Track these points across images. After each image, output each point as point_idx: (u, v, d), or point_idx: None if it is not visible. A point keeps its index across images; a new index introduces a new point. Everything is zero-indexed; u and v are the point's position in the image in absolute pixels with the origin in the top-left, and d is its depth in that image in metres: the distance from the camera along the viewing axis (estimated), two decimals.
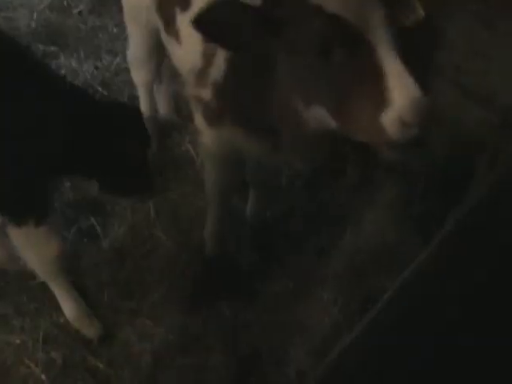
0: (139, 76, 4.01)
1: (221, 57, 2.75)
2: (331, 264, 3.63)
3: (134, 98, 4.29)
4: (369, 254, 3.64)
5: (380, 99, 2.05)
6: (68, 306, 3.35)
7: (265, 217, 3.88)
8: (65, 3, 5.18)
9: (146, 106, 4.15)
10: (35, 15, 4.97)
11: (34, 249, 3.06)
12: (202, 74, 2.89)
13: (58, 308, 3.38)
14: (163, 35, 3.31)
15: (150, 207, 3.86)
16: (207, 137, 3.11)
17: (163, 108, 4.37)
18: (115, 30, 4.95)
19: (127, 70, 4.17)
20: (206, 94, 2.90)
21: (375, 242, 3.73)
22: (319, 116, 2.31)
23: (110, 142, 3.05)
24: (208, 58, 2.83)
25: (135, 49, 3.86)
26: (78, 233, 3.75)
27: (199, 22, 2.20)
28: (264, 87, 2.54)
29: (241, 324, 3.42)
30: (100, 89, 4.53)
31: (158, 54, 3.76)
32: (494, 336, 1.48)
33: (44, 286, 3.35)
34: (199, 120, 3.07)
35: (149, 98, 4.14)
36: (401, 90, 2.03)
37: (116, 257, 3.66)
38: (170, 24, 3.13)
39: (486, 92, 4.08)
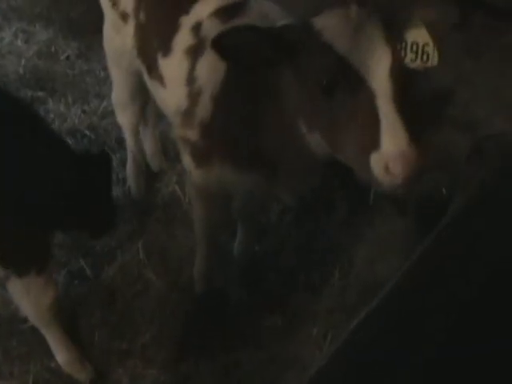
0: (124, 118, 4.04)
1: (206, 96, 2.81)
2: (321, 299, 3.65)
3: (122, 140, 4.33)
4: (359, 289, 3.66)
5: (371, 143, 2.16)
6: (60, 351, 3.33)
7: (253, 252, 3.90)
8: (52, 49, 5.23)
9: (132, 147, 4.20)
10: (23, 62, 5.02)
11: (31, 297, 3.01)
12: (188, 114, 2.94)
13: (48, 352, 3.35)
14: (146, 79, 3.35)
15: (139, 248, 3.87)
16: (196, 176, 3.13)
17: (150, 149, 4.39)
18: (102, 74, 5.00)
19: (114, 113, 4.22)
20: (194, 134, 2.94)
21: (366, 277, 3.75)
22: (318, 142, 2.41)
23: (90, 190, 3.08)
24: (193, 99, 2.88)
25: (119, 92, 3.91)
26: (69, 275, 3.75)
27: (217, 43, 2.29)
28: (259, 117, 2.62)
29: (232, 361, 3.41)
30: (88, 132, 4.56)
31: (142, 96, 3.80)
32: (477, 346, 1.51)
33: (34, 330, 3.32)
34: (187, 160, 3.10)
35: (135, 139, 4.18)
36: (391, 140, 2.13)
37: (106, 298, 3.66)
38: (152, 68, 3.18)
39: (470, 120, 4.15)
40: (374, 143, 2.15)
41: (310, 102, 2.36)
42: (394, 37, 2.29)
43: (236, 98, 2.71)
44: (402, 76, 2.25)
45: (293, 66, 2.38)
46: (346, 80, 2.20)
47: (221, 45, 2.30)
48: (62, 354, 3.33)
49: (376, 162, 2.16)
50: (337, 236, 4.00)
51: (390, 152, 2.12)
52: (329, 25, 2.25)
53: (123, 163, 4.33)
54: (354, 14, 2.23)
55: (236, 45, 2.30)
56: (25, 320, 3.37)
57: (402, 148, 2.12)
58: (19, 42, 5.34)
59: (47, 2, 5.84)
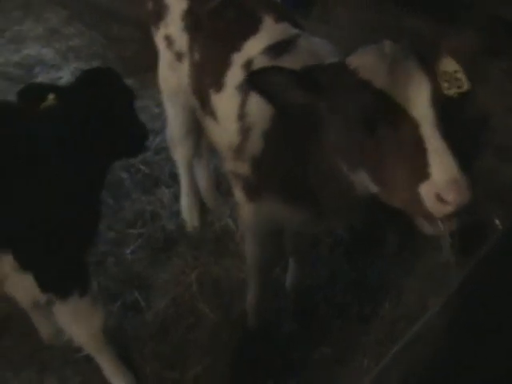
0: (179, 153, 4.15)
1: (258, 132, 2.86)
2: (371, 331, 3.65)
3: (175, 175, 4.43)
4: (409, 321, 3.64)
5: (420, 173, 2.13)
6: (116, 378, 3.37)
7: (305, 285, 3.92)
8: None
9: (186, 182, 4.29)
10: None
11: (79, 321, 3.07)
12: (239, 149, 3.00)
13: (103, 381, 3.40)
14: (200, 114, 3.45)
15: (192, 280, 3.93)
16: (248, 210, 3.17)
17: (203, 184, 4.48)
18: (156, 110, 5.14)
19: (168, 149, 4.31)
20: (245, 169, 3.00)
21: (416, 309, 3.74)
22: (363, 180, 2.38)
23: None
24: (244, 134, 2.95)
25: (174, 128, 4.00)
26: (123, 306, 3.82)
27: (251, 80, 2.36)
28: (307, 154, 2.64)
29: None
30: (142, 167, 4.69)
31: (196, 131, 3.89)
32: None
33: (89, 359, 3.39)
34: (239, 194, 3.16)
35: (189, 174, 4.27)
36: (441, 168, 2.11)
37: (159, 330, 3.71)
38: (206, 104, 3.27)
39: None
40: (423, 173, 2.12)
41: (351, 141, 2.34)
42: (430, 67, 2.29)
43: (285, 133, 2.75)
44: (442, 104, 2.25)
45: (329, 106, 2.39)
46: (387, 114, 2.20)
47: (254, 81, 2.36)
48: (118, 381, 3.37)
49: (427, 192, 2.12)
50: (387, 268, 4.01)
51: (442, 180, 2.09)
52: (364, 62, 2.29)
53: (177, 197, 4.43)
54: (388, 49, 2.28)
55: (268, 82, 2.35)
56: (79, 349, 3.43)
57: (454, 175, 2.09)
58: None
59: (103, 42, 6.10)
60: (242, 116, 2.96)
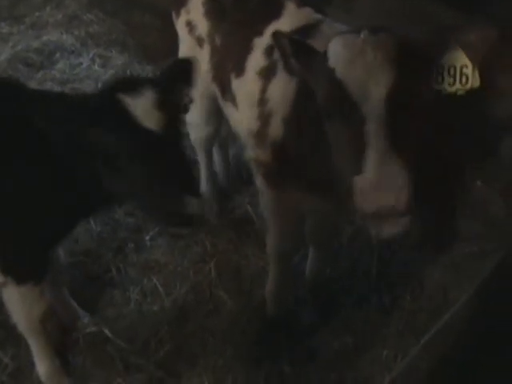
0: (198, 140, 4.13)
1: (278, 117, 2.84)
2: (392, 321, 3.63)
3: (195, 162, 4.40)
4: (430, 312, 3.62)
5: (356, 168, 2.13)
6: (43, 362, 3.38)
7: (325, 274, 3.90)
8: (128, 73, 5.41)
9: (205, 169, 4.28)
10: (100, 85, 5.16)
11: (25, 306, 3.10)
12: (260, 136, 2.99)
13: None
14: (220, 100, 3.44)
15: (211, 267, 3.93)
16: (269, 198, 3.17)
17: (222, 171, 4.48)
18: None
19: (187, 135, 4.29)
20: (266, 155, 2.98)
21: (437, 301, 3.72)
22: None
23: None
24: (265, 120, 2.93)
25: (194, 114, 3.95)
26: (141, 292, 3.83)
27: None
28: (325, 139, 2.59)
29: (302, 381, 3.41)
30: None
31: (216, 118, 3.87)
32: None
33: None
34: (260, 181, 3.14)
35: (208, 161, 4.26)
36: (370, 167, 2.10)
37: (178, 316, 3.71)
38: (226, 90, 3.26)
39: None
40: (358, 168, 2.12)
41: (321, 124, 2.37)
42: (407, 62, 2.19)
43: (306, 119, 2.72)
44: (417, 104, 2.21)
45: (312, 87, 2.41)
46: (342, 106, 2.19)
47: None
48: (44, 365, 3.38)
49: (355, 187, 2.13)
50: (409, 259, 3.98)
51: (367, 178, 2.10)
52: (334, 49, 2.28)
53: None
54: (361, 40, 2.22)
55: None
56: None
57: (380, 176, 2.08)
58: (96, 67, 5.58)
59: (123, 29, 6.09)
60: (262, 101, 2.94)
